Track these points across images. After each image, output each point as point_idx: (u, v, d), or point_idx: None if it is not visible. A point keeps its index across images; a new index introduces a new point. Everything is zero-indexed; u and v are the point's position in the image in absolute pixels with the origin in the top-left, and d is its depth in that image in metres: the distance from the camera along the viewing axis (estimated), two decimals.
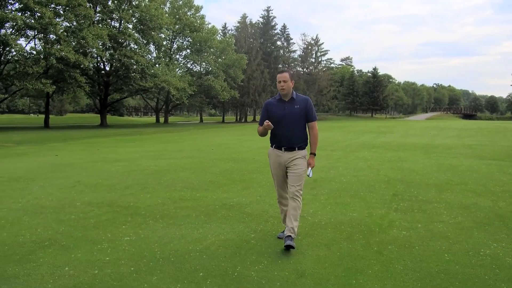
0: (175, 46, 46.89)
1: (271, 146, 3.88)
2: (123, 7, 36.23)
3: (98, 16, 35.91)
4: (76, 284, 2.94)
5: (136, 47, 37.79)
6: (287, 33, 62.17)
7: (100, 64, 38.59)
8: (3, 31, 28.58)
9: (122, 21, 37.11)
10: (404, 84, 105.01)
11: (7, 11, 27.52)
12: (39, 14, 27.28)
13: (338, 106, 73.83)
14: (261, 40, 56.90)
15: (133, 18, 37.37)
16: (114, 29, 36.59)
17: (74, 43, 30.30)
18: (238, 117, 59.19)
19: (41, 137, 21.10)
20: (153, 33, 38.33)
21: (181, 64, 47.84)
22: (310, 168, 3.85)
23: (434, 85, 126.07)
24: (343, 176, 7.43)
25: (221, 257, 3.45)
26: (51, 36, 29.81)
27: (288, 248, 3.49)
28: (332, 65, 78.47)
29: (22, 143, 17.52)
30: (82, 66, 31.09)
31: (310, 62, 62.73)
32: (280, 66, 58.44)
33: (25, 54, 29.84)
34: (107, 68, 38.85)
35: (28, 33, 30.83)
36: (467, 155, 10.99)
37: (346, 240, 3.87)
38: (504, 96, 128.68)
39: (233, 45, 47.69)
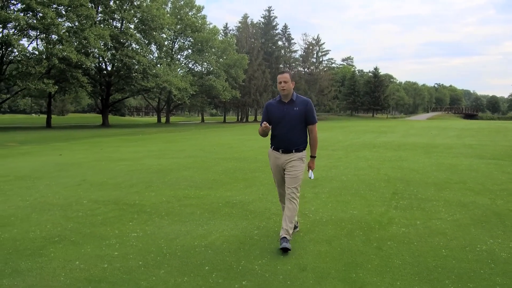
0: (176, 46, 47.04)
1: (271, 147, 3.93)
2: (124, 7, 36.35)
3: (100, 16, 36.04)
4: (87, 277, 3.05)
5: (137, 47, 37.97)
6: (288, 33, 62.17)
7: (102, 64, 38.73)
8: (5, 31, 28.77)
9: (124, 21, 37.21)
10: (405, 84, 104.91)
11: (9, 12, 27.62)
12: (41, 15, 27.43)
13: (339, 106, 73.77)
14: (262, 40, 56.95)
15: (135, 18, 37.49)
16: (116, 29, 36.71)
17: (76, 43, 30.41)
18: (240, 117, 59.26)
19: (43, 137, 21.24)
20: (154, 33, 38.45)
21: (183, 64, 47.98)
22: (311, 171, 3.93)
23: (435, 85, 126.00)
24: (344, 175, 7.54)
25: (225, 252, 3.57)
26: (53, 36, 29.94)
27: (285, 250, 3.50)
28: (333, 65, 78.73)
29: (25, 142, 17.65)
30: (84, 66, 31.25)
31: (311, 62, 62.68)
32: (281, 66, 58.44)
33: (28, 54, 29.95)
34: (109, 68, 38.99)
35: (30, 33, 30.99)
36: (467, 154, 11.07)
37: (346, 236, 3.98)
38: (506, 96, 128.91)
39: (234, 45, 47.77)
